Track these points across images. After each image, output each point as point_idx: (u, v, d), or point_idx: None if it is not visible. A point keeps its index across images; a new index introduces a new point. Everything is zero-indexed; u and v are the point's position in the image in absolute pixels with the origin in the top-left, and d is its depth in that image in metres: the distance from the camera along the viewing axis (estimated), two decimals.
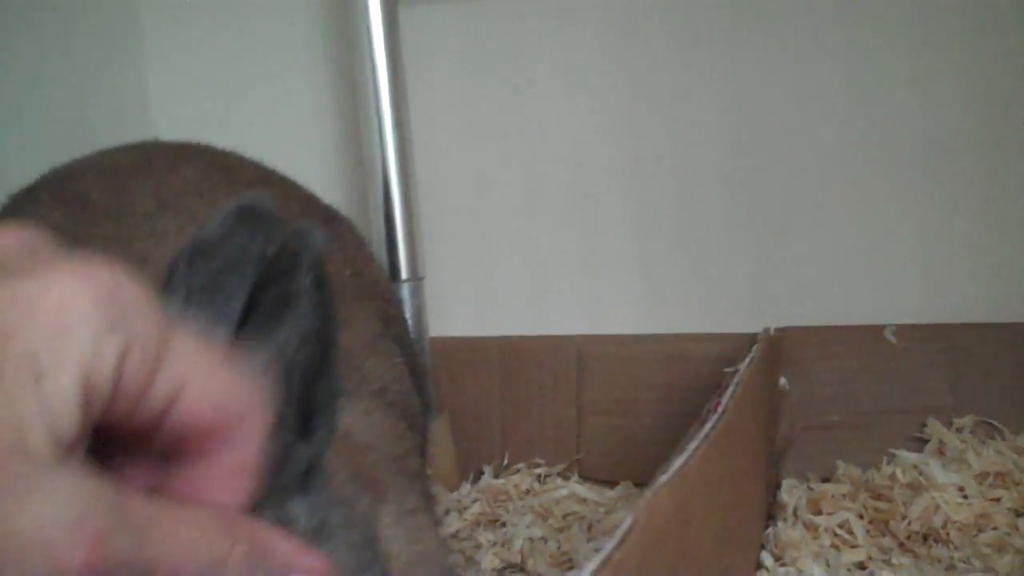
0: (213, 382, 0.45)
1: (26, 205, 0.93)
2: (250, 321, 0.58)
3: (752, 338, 1.37)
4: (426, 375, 1.08)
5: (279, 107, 1.70)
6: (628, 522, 0.58)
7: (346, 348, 0.85)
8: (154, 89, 1.73)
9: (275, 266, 0.58)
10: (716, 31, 1.51)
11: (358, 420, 0.79)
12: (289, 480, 0.61)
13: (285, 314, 0.58)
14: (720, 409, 0.88)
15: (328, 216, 1.07)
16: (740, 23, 1.50)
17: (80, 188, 0.91)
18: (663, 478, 0.67)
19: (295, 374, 0.62)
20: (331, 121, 1.67)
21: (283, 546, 0.47)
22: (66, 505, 0.36)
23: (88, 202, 0.89)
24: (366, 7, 1.44)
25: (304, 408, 0.65)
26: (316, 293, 0.58)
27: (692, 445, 0.76)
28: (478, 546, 1.31)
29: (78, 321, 0.38)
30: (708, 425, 0.82)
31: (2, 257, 0.40)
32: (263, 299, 0.58)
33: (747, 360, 1.12)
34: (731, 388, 0.97)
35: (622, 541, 0.56)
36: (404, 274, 1.47)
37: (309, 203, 1.06)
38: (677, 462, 0.71)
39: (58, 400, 0.37)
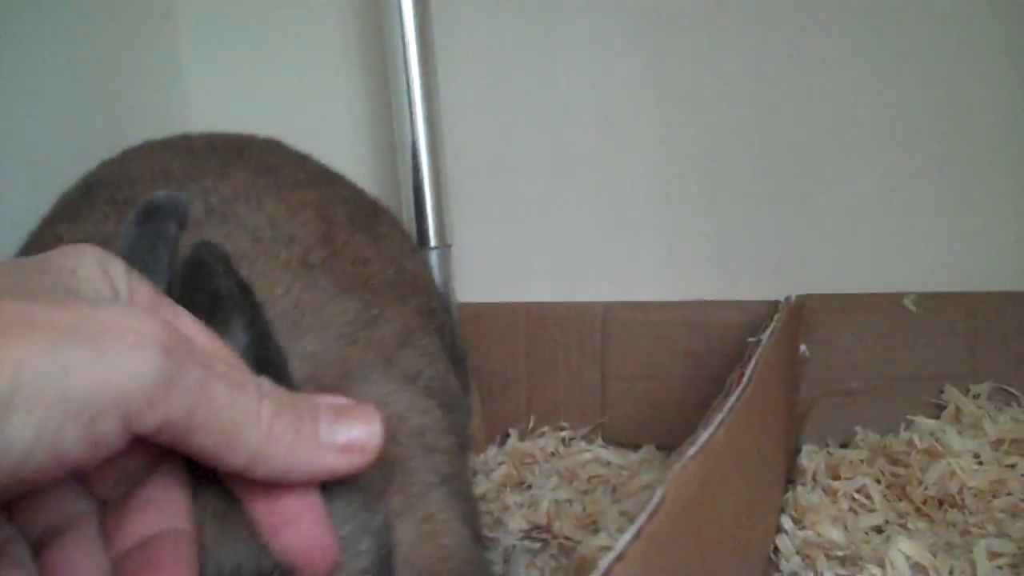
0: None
1: (82, 209, 0.96)
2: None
3: (774, 306, 1.40)
4: (466, 359, 1.11)
5: (309, 76, 1.73)
6: (658, 494, 0.61)
7: (379, 340, 0.89)
8: (188, 67, 1.75)
9: (195, 272, 0.65)
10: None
11: (378, 399, 0.83)
12: None
13: (217, 313, 0.64)
14: (744, 380, 0.91)
15: (374, 213, 1.10)
16: None
17: (133, 195, 0.94)
18: (691, 450, 0.70)
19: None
20: (360, 89, 1.70)
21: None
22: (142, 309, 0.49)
23: None
24: None
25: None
26: (241, 292, 0.66)
27: (718, 417, 0.79)
28: (505, 508, 1.35)
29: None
30: (733, 397, 0.85)
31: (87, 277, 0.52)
32: (195, 302, 0.64)
33: (769, 329, 1.14)
34: (754, 358, 0.99)
35: (653, 513, 0.59)
36: (432, 241, 1.50)
37: (356, 200, 1.09)
38: (704, 435, 0.74)
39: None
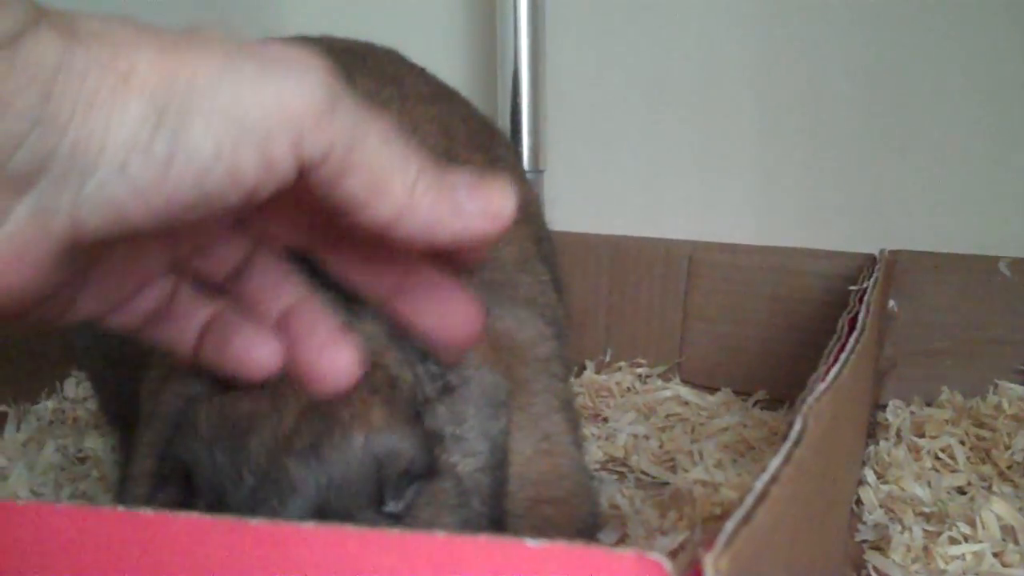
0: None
1: None
2: None
3: (866, 258, 1.39)
4: (564, 291, 1.11)
5: None
6: (799, 423, 0.60)
7: (501, 261, 0.89)
8: None
9: None
10: None
11: (512, 324, 0.84)
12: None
13: None
14: (859, 326, 0.90)
15: (491, 135, 1.09)
16: None
17: None
18: (822, 386, 0.69)
19: None
20: (465, 9, 1.68)
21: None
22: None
23: None
24: None
25: None
26: None
27: (843, 357, 0.78)
28: (583, 438, 1.34)
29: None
30: (852, 340, 0.84)
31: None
32: None
33: (872, 279, 1.13)
34: (863, 307, 0.98)
35: (797, 441, 0.58)
36: (526, 165, 1.49)
37: (474, 119, 1.08)
38: (832, 372, 0.73)
39: None
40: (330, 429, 0.62)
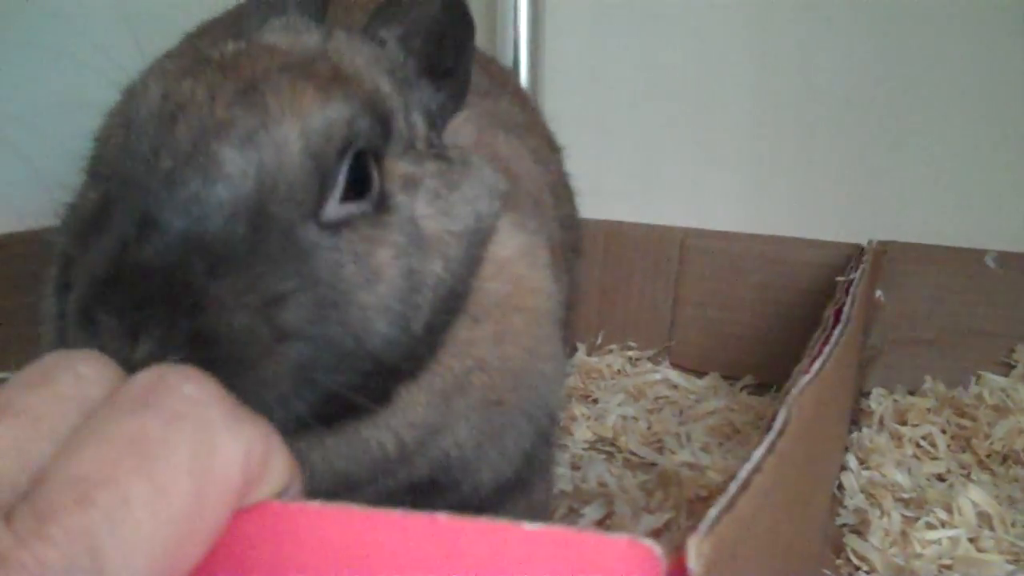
0: None
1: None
2: None
3: (854, 249, 1.41)
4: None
5: None
6: (783, 415, 0.63)
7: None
8: None
9: None
10: None
11: (510, 153, 0.91)
12: (424, 115, 0.73)
13: None
14: (844, 318, 0.92)
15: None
16: None
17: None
18: (806, 378, 0.72)
19: (429, 34, 0.74)
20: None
21: None
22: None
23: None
24: None
25: (437, 64, 0.74)
26: None
27: (827, 349, 0.80)
28: (572, 418, 1.37)
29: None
30: (837, 332, 0.87)
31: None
32: None
33: (859, 271, 1.16)
34: (849, 298, 1.01)
35: (781, 431, 0.61)
36: None
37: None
38: (816, 364, 0.76)
39: None
40: (262, 116, 0.61)
